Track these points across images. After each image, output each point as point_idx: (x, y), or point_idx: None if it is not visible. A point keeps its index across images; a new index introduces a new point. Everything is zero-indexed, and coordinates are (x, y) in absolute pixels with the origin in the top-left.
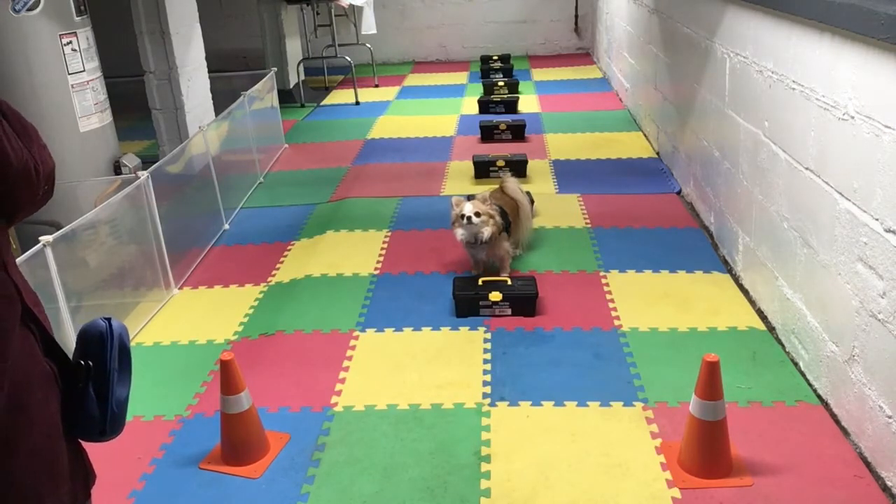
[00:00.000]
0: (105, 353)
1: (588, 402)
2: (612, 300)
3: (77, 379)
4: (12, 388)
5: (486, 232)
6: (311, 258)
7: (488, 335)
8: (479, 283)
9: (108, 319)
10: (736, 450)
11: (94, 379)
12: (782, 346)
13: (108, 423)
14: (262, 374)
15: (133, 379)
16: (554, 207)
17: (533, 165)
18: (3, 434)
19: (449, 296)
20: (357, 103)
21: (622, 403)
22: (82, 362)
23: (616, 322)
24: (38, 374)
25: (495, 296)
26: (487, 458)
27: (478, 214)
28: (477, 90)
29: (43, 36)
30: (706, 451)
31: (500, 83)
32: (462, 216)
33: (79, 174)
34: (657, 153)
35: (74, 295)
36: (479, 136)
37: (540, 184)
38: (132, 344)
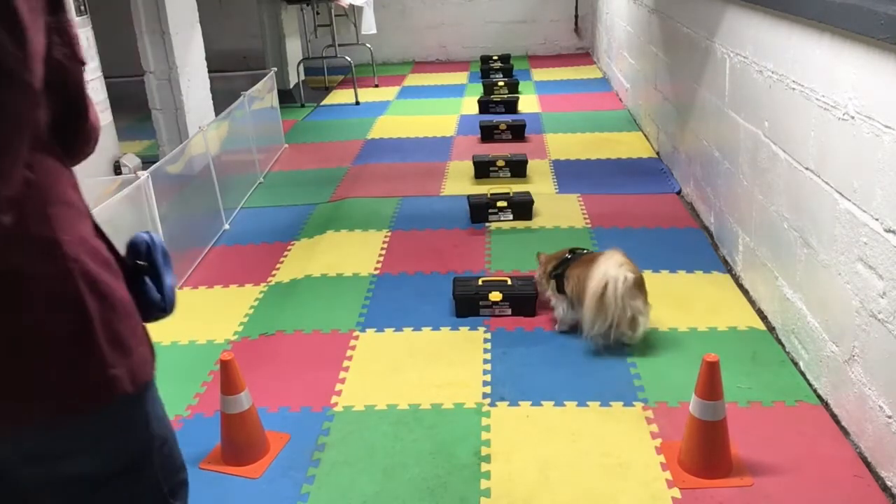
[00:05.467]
0: (153, 254)
1: (588, 402)
2: None
3: (137, 274)
4: (99, 260)
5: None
6: (311, 258)
7: (488, 335)
8: (479, 282)
9: (148, 232)
10: (736, 450)
11: (150, 273)
12: (782, 346)
13: (167, 302)
14: (262, 374)
15: None
16: (554, 207)
17: (533, 165)
18: (101, 287)
19: (449, 296)
20: (357, 103)
21: (622, 403)
22: (139, 263)
23: None
24: (112, 264)
25: (495, 296)
26: (487, 458)
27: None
28: (477, 90)
29: None
30: (706, 451)
31: (500, 83)
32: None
33: (79, 174)
34: (657, 153)
35: None
36: (479, 136)
37: (540, 184)
38: None
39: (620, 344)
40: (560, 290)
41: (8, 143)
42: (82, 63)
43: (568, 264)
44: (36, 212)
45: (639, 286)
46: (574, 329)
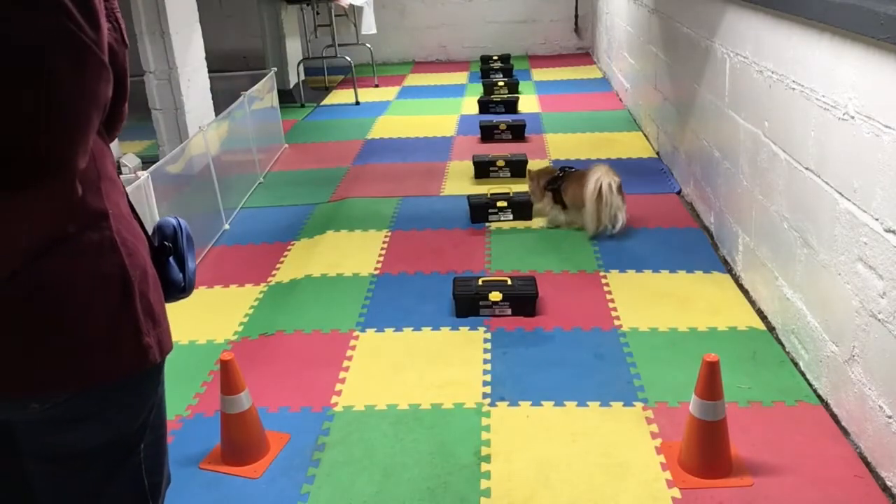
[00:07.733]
0: (179, 238)
1: (588, 402)
2: (612, 300)
3: (162, 255)
4: (136, 236)
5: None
6: (311, 258)
7: (488, 335)
8: (479, 282)
9: (176, 217)
10: (736, 450)
11: (174, 255)
12: (782, 346)
13: (187, 283)
14: (262, 374)
15: None
16: None
17: (533, 166)
18: (139, 259)
19: (449, 296)
20: (357, 103)
21: (622, 403)
22: (166, 243)
23: (616, 322)
24: (144, 239)
25: (495, 296)
26: (487, 458)
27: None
28: (477, 90)
29: None
30: (706, 451)
31: (500, 83)
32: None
33: None
34: (657, 153)
35: None
36: (479, 136)
37: None
38: None
39: (610, 236)
40: (556, 200)
41: (88, 120)
42: (127, 46)
43: (561, 181)
44: (91, 184)
45: (620, 189)
46: (558, 227)
